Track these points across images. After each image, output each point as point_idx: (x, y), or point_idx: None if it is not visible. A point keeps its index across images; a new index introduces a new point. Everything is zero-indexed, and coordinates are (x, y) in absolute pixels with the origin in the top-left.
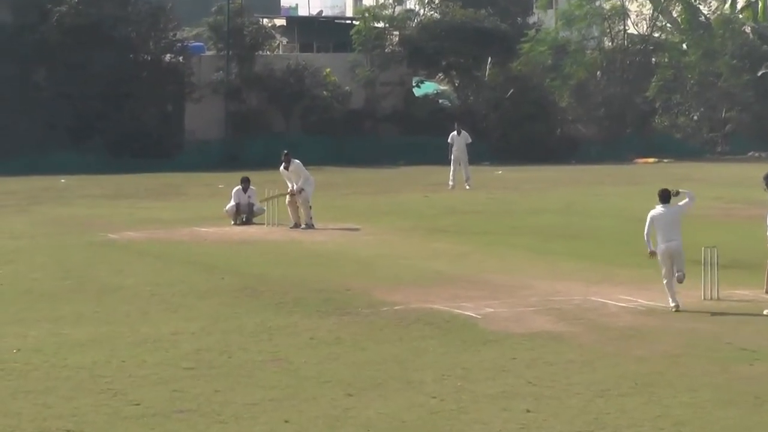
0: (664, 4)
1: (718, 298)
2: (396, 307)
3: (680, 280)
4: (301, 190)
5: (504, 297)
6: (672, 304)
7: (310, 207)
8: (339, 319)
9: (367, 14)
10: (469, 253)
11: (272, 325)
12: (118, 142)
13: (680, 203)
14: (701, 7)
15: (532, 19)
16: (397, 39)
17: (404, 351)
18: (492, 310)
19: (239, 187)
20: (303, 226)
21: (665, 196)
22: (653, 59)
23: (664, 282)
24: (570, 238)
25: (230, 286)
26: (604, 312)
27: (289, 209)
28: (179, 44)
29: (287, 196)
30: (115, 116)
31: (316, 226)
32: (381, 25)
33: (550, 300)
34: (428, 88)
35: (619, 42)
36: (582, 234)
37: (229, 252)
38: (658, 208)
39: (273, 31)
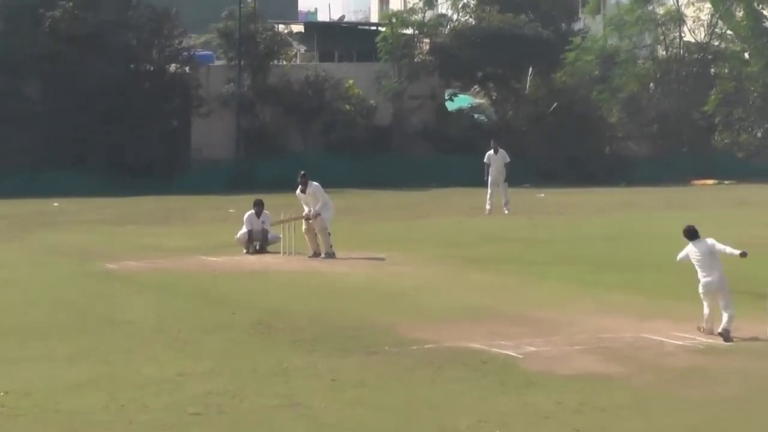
0: (725, 9)
1: None
2: (427, 346)
3: (725, 337)
4: (317, 215)
5: (547, 334)
6: (701, 325)
7: (329, 234)
8: (363, 359)
9: (394, 20)
10: (508, 286)
11: (289, 365)
12: (118, 162)
13: (712, 241)
14: (765, 12)
15: (577, 26)
16: (427, 47)
17: (436, 394)
18: (534, 348)
19: (252, 211)
20: (323, 255)
21: (692, 233)
22: (712, 70)
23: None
24: (621, 269)
25: (242, 321)
26: (659, 351)
27: (306, 237)
28: (185, 53)
29: (303, 223)
30: (115, 133)
31: (337, 255)
32: (410, 31)
33: (598, 338)
34: (462, 101)
35: (675, 51)
36: (634, 264)
37: (241, 284)
38: (690, 247)
39: (290, 39)
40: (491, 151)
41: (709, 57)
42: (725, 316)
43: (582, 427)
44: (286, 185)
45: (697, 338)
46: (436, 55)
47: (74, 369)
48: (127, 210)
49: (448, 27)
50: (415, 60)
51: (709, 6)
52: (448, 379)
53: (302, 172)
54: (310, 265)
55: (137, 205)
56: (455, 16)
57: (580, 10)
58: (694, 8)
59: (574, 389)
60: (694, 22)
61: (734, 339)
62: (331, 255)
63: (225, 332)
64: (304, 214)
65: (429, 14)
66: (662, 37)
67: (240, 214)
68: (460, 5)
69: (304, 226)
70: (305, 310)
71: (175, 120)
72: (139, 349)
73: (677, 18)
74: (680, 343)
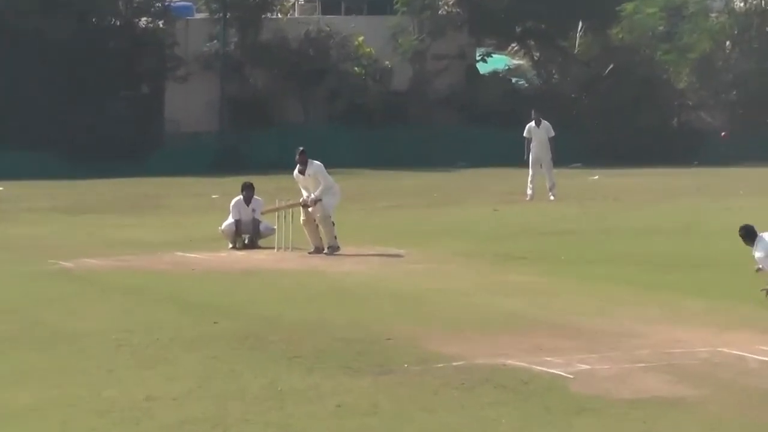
0: None
1: None
2: (455, 363)
3: None
4: (317, 201)
5: (604, 349)
6: None
7: (333, 224)
8: (376, 380)
9: None
10: (554, 289)
11: (284, 387)
12: (76, 138)
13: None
14: None
15: None
16: None
17: (467, 422)
18: (588, 366)
19: (240, 197)
20: (326, 250)
21: (748, 233)
22: None
23: None
24: (693, 269)
25: (227, 333)
26: (740, 368)
27: (305, 229)
28: (159, 4)
29: (302, 212)
30: (72, 102)
31: (342, 250)
32: None
33: (666, 353)
34: (497, 62)
35: (755, 2)
36: (709, 263)
37: (226, 286)
38: (760, 248)
39: None
40: (532, 124)
41: None
42: None
43: None
44: (282, 165)
45: None
46: (464, 7)
47: (21, 391)
48: (87, 196)
49: None
50: (440, 12)
51: None
52: (482, 404)
53: (300, 149)
54: (310, 263)
55: (99, 189)
56: None
57: None
58: None
59: (636, 416)
60: None
61: None
62: (334, 249)
63: (206, 346)
64: (301, 200)
65: None
66: None
67: (225, 201)
68: None
69: (302, 216)
70: (305, 319)
71: (145, 85)
72: (100, 368)
73: None
74: (766, 359)
